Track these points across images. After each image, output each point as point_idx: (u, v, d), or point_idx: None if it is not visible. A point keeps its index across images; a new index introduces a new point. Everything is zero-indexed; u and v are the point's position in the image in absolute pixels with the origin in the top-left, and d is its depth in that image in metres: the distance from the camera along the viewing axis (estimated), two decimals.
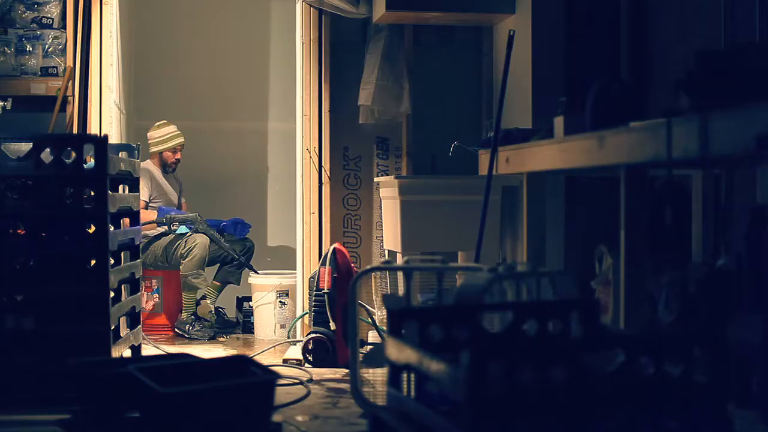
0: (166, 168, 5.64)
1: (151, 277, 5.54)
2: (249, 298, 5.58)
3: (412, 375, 2.16)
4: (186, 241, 5.35)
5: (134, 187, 4.23)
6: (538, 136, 3.62)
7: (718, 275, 2.50)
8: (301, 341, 4.58)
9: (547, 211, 3.87)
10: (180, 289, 5.56)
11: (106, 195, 3.52)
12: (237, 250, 5.51)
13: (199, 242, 5.33)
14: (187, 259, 5.34)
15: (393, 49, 4.96)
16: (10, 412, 3.29)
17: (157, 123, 5.64)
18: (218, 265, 5.60)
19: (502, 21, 4.86)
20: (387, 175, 5.08)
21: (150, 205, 5.54)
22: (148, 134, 5.63)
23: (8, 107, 4.92)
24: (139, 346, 4.12)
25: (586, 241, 4.18)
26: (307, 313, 4.77)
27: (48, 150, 3.53)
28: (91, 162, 3.66)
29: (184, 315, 5.40)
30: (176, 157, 5.64)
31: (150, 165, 5.59)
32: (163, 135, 5.59)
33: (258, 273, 5.52)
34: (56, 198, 3.53)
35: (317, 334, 4.44)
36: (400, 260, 4.28)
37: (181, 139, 5.62)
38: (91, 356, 3.34)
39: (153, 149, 5.62)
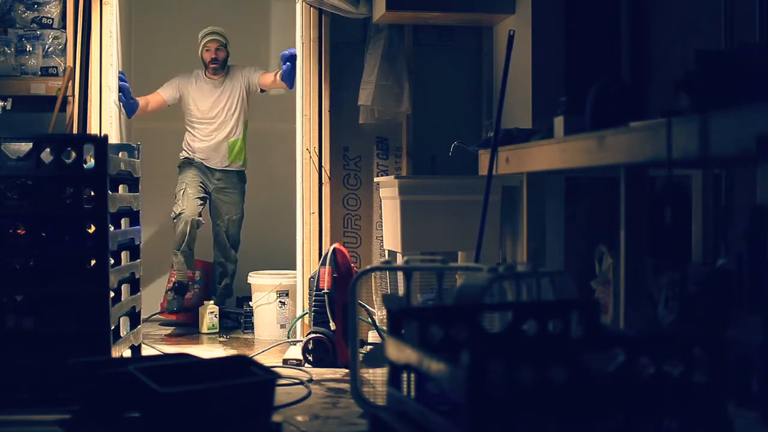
0: (207, 69, 5.65)
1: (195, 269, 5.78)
2: (249, 298, 5.58)
3: (412, 375, 2.16)
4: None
5: (134, 187, 4.23)
6: (538, 136, 3.62)
7: (718, 275, 2.50)
8: (301, 341, 4.58)
9: (547, 211, 3.86)
10: (208, 281, 5.82)
11: (106, 195, 3.52)
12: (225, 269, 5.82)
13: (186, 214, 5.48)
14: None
15: (393, 49, 4.96)
16: (10, 412, 3.29)
17: None
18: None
19: (502, 21, 4.86)
20: (387, 175, 5.07)
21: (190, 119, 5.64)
22: None
23: (8, 107, 4.91)
24: (139, 346, 4.12)
25: (586, 241, 4.19)
26: (307, 313, 4.77)
27: (48, 150, 3.53)
28: (91, 162, 3.67)
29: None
30: (211, 56, 5.58)
31: (189, 75, 5.64)
32: (199, 38, 5.61)
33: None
34: (56, 198, 3.53)
35: (317, 334, 4.44)
36: (400, 260, 4.28)
37: (210, 36, 5.57)
38: (91, 356, 3.34)
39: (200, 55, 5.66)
